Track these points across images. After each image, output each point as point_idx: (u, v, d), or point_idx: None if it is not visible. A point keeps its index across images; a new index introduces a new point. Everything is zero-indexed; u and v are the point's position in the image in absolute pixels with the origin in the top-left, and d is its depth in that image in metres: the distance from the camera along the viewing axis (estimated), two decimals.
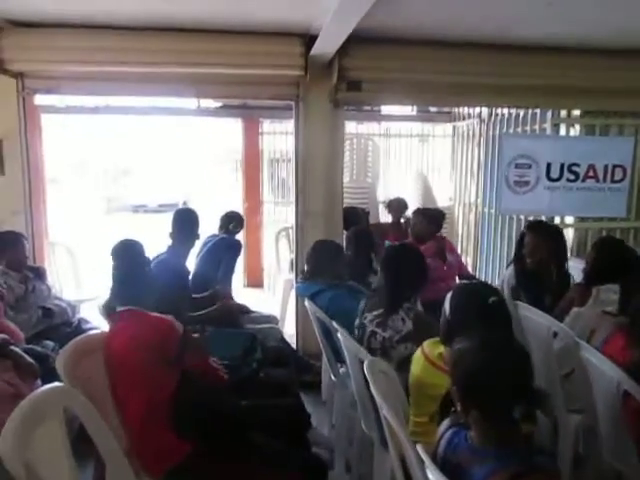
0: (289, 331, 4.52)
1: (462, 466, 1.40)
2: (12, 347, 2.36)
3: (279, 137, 6.89)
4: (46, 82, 4.16)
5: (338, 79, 3.97)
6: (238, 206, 7.16)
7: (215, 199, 14.94)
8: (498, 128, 5.45)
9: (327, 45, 3.55)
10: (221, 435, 2.03)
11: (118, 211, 19.58)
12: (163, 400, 2.00)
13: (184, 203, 20.16)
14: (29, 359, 2.36)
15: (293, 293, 4.98)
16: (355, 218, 4.30)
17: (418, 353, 2.03)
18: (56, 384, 1.72)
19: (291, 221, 4.69)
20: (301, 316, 4.23)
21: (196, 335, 2.49)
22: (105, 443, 1.78)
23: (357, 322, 2.57)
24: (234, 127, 7.24)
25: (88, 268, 5.34)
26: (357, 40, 3.61)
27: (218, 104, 6.09)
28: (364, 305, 2.59)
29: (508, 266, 3.60)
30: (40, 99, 4.37)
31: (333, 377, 2.94)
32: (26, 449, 1.46)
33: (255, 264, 7.03)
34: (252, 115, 6.53)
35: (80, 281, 4.85)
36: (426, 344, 2.03)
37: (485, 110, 5.69)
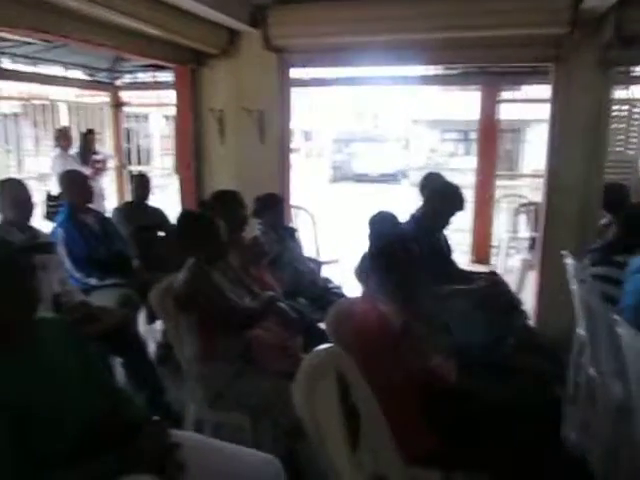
0: None
1: None
2: (279, 303, 2.58)
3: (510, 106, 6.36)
4: (302, 56, 4.43)
5: (612, 35, 3.46)
6: (469, 179, 6.90)
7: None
8: None
9: None
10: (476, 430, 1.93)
11: (343, 180, 20.60)
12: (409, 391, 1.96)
13: (403, 174, 20.36)
14: (294, 315, 2.56)
15: (530, 274, 4.63)
16: (618, 196, 3.75)
17: None
18: (331, 346, 1.80)
19: (529, 197, 4.31)
20: (547, 299, 3.91)
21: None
22: (369, 410, 1.81)
23: None
24: (457, 95, 6.89)
25: (323, 231, 5.65)
26: None
27: (453, 72, 5.86)
28: None
29: None
30: (292, 73, 4.69)
31: (594, 374, 2.63)
32: (310, 404, 1.55)
33: (483, 240, 6.73)
34: (492, 82, 6.13)
35: (319, 244, 5.15)
36: None
37: None
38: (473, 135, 15.11)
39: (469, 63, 4.95)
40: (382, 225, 3.00)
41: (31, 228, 3.00)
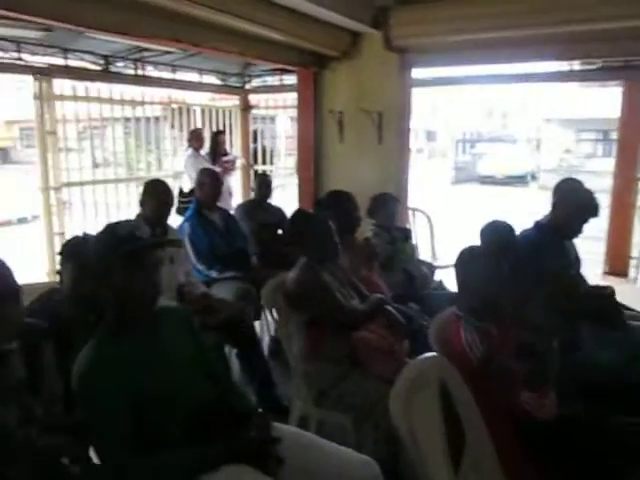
0: None
1: None
2: (387, 306, 2.56)
3: None
4: (424, 56, 4.37)
5: None
6: (606, 183, 6.34)
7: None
8: None
9: None
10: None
11: (466, 181, 19.93)
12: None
13: (532, 176, 19.22)
14: (401, 319, 2.52)
15: None
16: None
17: None
18: (435, 355, 1.75)
19: None
20: None
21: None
22: (474, 426, 1.73)
23: None
24: (596, 91, 6.30)
25: (440, 235, 5.49)
26: None
27: (591, 66, 5.41)
28: None
29: None
30: (414, 73, 4.63)
31: None
32: (409, 411, 1.52)
33: (620, 250, 6.14)
34: (636, 76, 5.57)
35: (435, 247, 5.02)
36: None
37: None
38: (615, 135, 13.87)
39: (610, 56, 4.54)
40: (493, 236, 2.81)
41: (164, 224, 3.26)
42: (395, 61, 4.34)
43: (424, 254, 4.78)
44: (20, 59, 4.16)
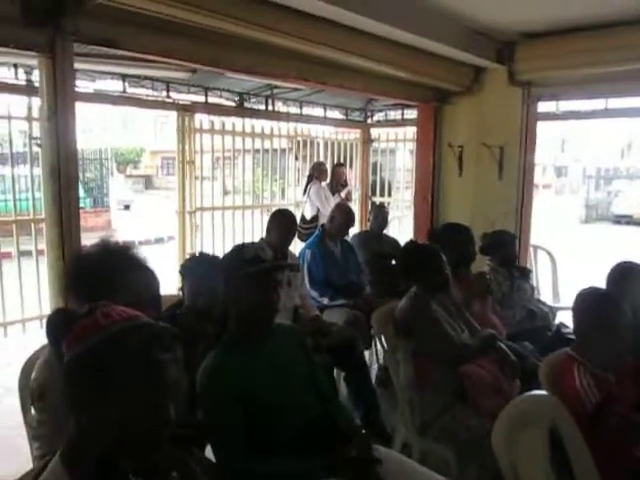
0: None
1: None
2: (499, 342, 2.51)
3: None
4: (550, 89, 4.26)
5: None
6: None
7: None
8: None
9: None
10: None
11: (598, 220, 18.57)
12: None
13: None
14: (513, 357, 2.46)
15: None
16: None
17: None
18: (545, 394, 1.71)
19: None
20: None
21: None
22: (585, 470, 1.66)
23: None
24: None
25: (565, 275, 5.21)
26: None
27: None
28: None
29: None
30: (540, 106, 4.52)
31: None
32: (513, 447, 1.50)
33: None
34: None
35: (558, 287, 4.77)
36: None
37: None
38: None
39: None
40: (620, 279, 2.62)
41: (286, 249, 3.47)
42: (519, 95, 4.27)
43: (545, 294, 4.58)
44: (168, 97, 4.68)
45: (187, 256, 4.98)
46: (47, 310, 3.16)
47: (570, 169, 29.21)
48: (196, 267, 2.19)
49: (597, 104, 5.19)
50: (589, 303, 2.00)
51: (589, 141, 26.28)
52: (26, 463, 1.60)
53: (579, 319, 2.02)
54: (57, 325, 1.14)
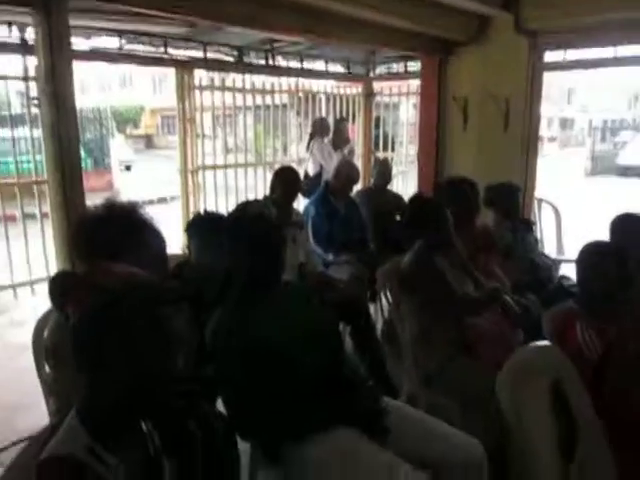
0: None
1: None
2: (504, 295, 2.53)
3: None
4: (558, 37, 4.15)
5: None
6: None
7: None
8: None
9: None
10: None
11: (603, 173, 18.37)
12: None
13: None
14: (517, 309, 2.48)
15: None
16: None
17: None
18: (549, 344, 1.73)
19: None
20: None
21: None
22: (587, 420, 1.69)
23: None
24: None
25: (570, 228, 5.20)
26: None
27: None
28: None
29: None
30: (547, 56, 4.40)
31: None
32: (516, 396, 1.53)
33: None
34: None
35: (562, 240, 4.78)
36: None
37: None
38: None
39: None
40: (623, 230, 2.62)
41: (290, 207, 3.47)
42: (525, 44, 4.16)
43: (549, 247, 4.58)
44: (166, 53, 4.58)
45: (191, 215, 5.00)
46: (54, 272, 3.20)
47: (576, 121, 28.74)
48: (201, 225, 2.20)
49: (605, 52, 5.07)
50: (592, 256, 2.01)
51: (595, 92, 25.74)
52: (42, 418, 1.66)
53: (582, 272, 2.03)
54: (59, 287, 1.16)
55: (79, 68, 3.22)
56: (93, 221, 1.60)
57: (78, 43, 4.00)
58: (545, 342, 1.77)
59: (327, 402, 1.70)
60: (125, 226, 1.57)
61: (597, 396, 1.74)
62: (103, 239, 1.50)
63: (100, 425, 1.06)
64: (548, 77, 4.54)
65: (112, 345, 1.05)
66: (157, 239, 1.61)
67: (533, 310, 2.71)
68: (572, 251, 4.47)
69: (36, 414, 1.85)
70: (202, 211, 2.57)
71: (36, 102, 2.72)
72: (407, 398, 2.49)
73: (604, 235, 2.65)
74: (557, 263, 3.75)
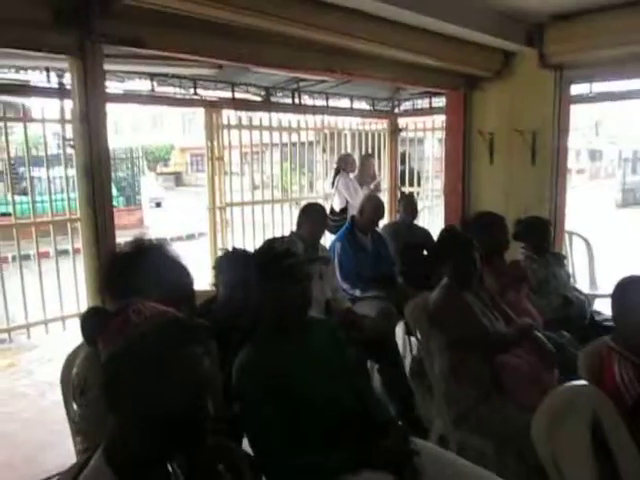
0: None
1: None
2: (536, 331, 2.47)
3: None
4: (583, 71, 4.15)
5: None
6: None
7: None
8: None
9: None
10: None
11: (635, 204, 18.03)
12: None
13: None
14: (550, 347, 2.41)
15: None
16: None
17: None
18: (585, 383, 1.67)
19: None
20: None
21: None
22: (629, 461, 1.61)
23: None
24: None
25: (601, 262, 5.08)
26: None
27: None
28: None
29: None
30: (573, 89, 4.39)
31: None
32: (554, 438, 1.47)
33: None
34: None
35: (594, 274, 4.66)
36: None
37: None
38: None
39: None
40: None
41: (317, 243, 3.48)
42: (550, 78, 4.16)
43: (582, 282, 4.47)
44: (196, 94, 4.72)
45: (219, 251, 5.05)
46: (85, 307, 3.25)
47: (605, 152, 28.39)
48: (230, 262, 2.21)
49: (631, 84, 5.03)
50: (629, 291, 1.95)
51: (624, 123, 25.47)
52: (70, 457, 1.65)
53: (619, 308, 1.96)
54: (91, 324, 1.16)
55: (113, 110, 3.35)
56: (121, 259, 1.62)
57: (112, 87, 4.16)
58: (582, 381, 1.71)
59: (354, 443, 1.66)
60: (153, 263, 1.58)
61: (637, 436, 1.67)
62: (131, 277, 1.51)
63: (126, 466, 1.05)
64: (575, 109, 4.52)
65: (145, 384, 1.04)
66: (184, 276, 1.63)
67: (568, 348, 2.63)
68: (605, 285, 4.39)
69: (63, 452, 1.85)
70: (230, 248, 2.59)
71: (71, 143, 2.81)
72: (438, 438, 2.41)
73: (637, 268, 2.58)
74: (590, 298, 3.65)
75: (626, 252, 8.02)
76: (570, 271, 4.00)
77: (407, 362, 3.68)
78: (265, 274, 1.83)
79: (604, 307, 3.66)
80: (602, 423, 1.64)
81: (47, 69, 3.72)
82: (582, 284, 4.35)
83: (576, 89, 4.42)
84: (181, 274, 1.64)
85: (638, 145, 22.86)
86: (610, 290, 2.05)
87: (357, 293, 3.61)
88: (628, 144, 23.68)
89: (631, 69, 3.92)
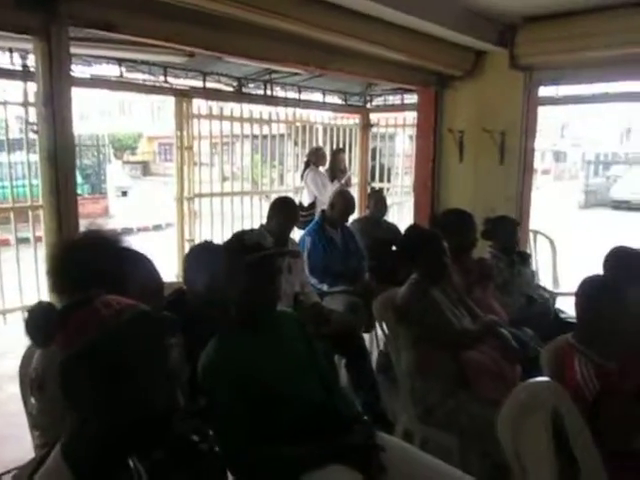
0: None
1: None
2: (500, 328, 2.51)
3: None
4: (553, 73, 4.22)
5: None
6: None
7: None
8: None
9: None
10: None
11: (597, 206, 18.55)
12: None
13: None
14: (514, 343, 2.45)
15: None
16: None
17: None
18: (548, 380, 1.70)
19: None
20: None
21: None
22: (589, 457, 1.65)
23: None
24: None
25: (564, 261, 5.20)
26: None
27: None
28: None
29: None
30: (541, 91, 4.47)
31: None
32: (517, 434, 1.49)
33: None
34: None
35: (558, 273, 4.77)
36: None
37: None
38: None
39: None
40: (619, 264, 2.59)
41: (286, 236, 3.45)
42: (520, 79, 4.23)
43: (545, 280, 4.57)
44: (166, 82, 4.62)
45: (186, 242, 4.98)
46: (45, 297, 3.16)
47: (569, 154, 29.11)
48: (199, 255, 2.17)
49: (597, 88, 5.15)
50: (592, 291, 1.99)
51: (588, 126, 26.15)
52: (29, 451, 1.60)
53: (581, 307, 2.01)
54: (45, 319, 1.07)
55: (79, 95, 3.24)
56: (74, 251, 1.53)
57: (79, 71, 4.04)
58: (544, 378, 1.74)
59: (320, 438, 1.65)
60: (111, 256, 1.51)
61: (596, 432, 1.71)
62: (89, 268, 1.43)
63: (85, 466, 1.02)
64: (542, 111, 4.61)
65: (115, 381, 1.00)
66: (148, 268, 1.58)
67: (531, 345, 2.69)
68: (567, 284, 4.49)
69: (23, 445, 1.79)
70: (198, 240, 2.55)
71: (34, 127, 2.71)
72: (403, 432, 2.44)
73: (599, 268, 2.64)
74: (553, 296, 3.73)
75: (588, 252, 8.22)
76: (534, 269, 4.09)
77: (374, 357, 3.71)
78: (235, 267, 1.80)
79: (567, 305, 3.75)
80: (563, 419, 1.67)
81: (10, 50, 3.58)
82: (546, 282, 4.45)
83: (544, 91, 4.50)
84: (143, 266, 1.60)
85: (600, 148, 23.50)
86: (573, 289, 2.10)
87: (325, 288, 3.60)
88: (591, 147, 24.34)
89: (598, 73, 4.00)
